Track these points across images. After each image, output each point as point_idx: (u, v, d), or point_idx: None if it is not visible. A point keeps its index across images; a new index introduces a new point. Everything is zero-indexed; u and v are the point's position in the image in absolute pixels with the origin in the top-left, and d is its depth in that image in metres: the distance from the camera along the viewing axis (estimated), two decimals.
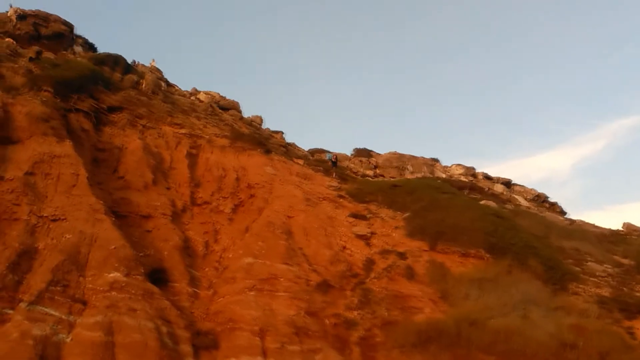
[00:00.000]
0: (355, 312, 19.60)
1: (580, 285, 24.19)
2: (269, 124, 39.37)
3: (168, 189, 23.42)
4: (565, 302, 21.37)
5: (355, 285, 21.00)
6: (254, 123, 37.53)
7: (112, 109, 26.13)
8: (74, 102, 24.10)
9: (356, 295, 20.46)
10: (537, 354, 17.50)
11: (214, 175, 25.41)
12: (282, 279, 20.01)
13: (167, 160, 24.98)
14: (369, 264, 22.44)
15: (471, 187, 39.28)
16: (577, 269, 26.58)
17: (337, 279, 21.12)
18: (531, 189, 46.30)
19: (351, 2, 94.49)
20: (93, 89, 25.81)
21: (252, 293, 19.09)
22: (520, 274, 22.30)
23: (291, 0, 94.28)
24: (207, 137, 28.05)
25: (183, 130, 27.63)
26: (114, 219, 19.32)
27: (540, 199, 45.67)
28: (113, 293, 16.38)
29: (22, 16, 29.75)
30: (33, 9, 30.65)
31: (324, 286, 20.49)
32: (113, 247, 17.62)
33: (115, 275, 16.86)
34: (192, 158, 26.01)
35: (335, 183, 31.30)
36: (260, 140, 31.03)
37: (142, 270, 17.79)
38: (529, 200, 44.07)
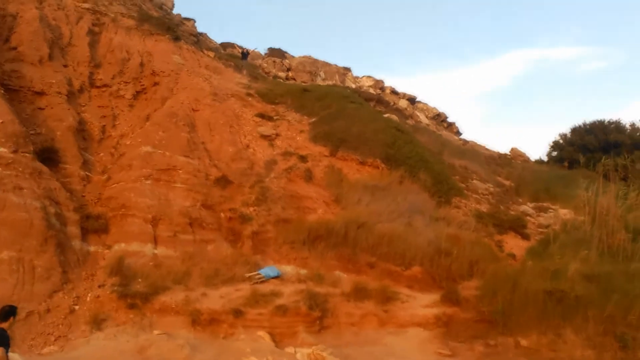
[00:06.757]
0: (252, 208, 19.92)
1: (463, 200, 26.04)
2: (180, 11, 37.44)
3: (65, 66, 22.00)
4: (447, 214, 22.82)
5: (254, 183, 21.17)
6: (164, 7, 35.54)
7: None
8: None
9: (254, 193, 20.65)
10: (415, 257, 18.72)
11: (116, 58, 24.09)
12: (180, 171, 19.89)
13: (66, 36, 23.26)
14: (271, 164, 22.69)
15: (378, 99, 40.17)
16: (463, 185, 28.52)
17: (237, 175, 21.23)
18: (433, 108, 48.08)
19: None
20: None
21: (148, 182, 18.90)
22: (411, 185, 23.53)
23: None
24: (112, 15, 26.27)
25: (86, 5, 25.65)
26: (2, 91, 18.06)
27: (440, 118, 47.69)
28: None
29: None
30: None
31: (223, 181, 20.58)
32: (0, 121, 16.61)
33: (1, 150, 16.02)
34: (94, 36, 24.37)
35: (245, 81, 30.80)
36: (170, 25, 29.52)
37: (32, 149, 17.00)
38: (430, 118, 45.89)
